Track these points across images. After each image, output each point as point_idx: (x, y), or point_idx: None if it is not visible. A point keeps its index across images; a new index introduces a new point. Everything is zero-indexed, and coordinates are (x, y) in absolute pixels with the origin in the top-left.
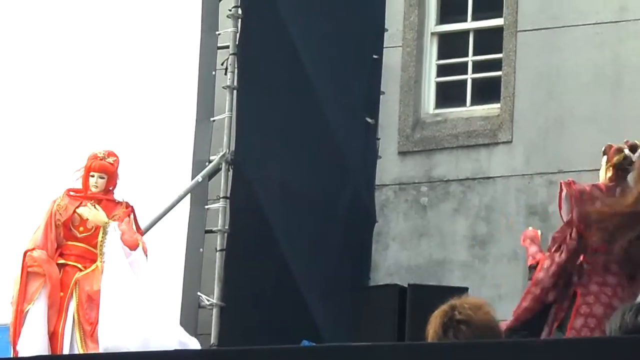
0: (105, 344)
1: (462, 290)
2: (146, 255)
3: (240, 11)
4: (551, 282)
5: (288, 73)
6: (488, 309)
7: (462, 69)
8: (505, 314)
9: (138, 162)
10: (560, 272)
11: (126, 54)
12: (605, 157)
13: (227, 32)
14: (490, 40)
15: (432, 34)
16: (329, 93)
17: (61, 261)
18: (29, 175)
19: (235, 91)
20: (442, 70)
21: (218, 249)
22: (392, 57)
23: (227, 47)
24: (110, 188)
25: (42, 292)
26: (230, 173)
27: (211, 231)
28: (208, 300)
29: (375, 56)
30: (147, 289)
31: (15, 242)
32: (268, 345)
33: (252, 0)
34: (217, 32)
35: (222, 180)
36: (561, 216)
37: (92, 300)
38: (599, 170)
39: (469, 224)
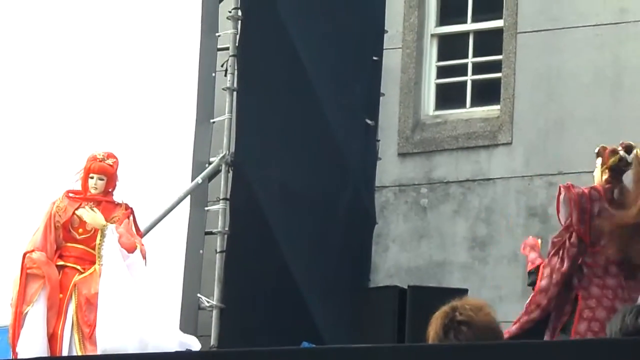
0: (103, 346)
1: (462, 292)
2: (145, 258)
3: (240, 13)
4: (556, 291)
5: (288, 74)
6: (489, 310)
7: (462, 70)
8: (505, 316)
9: (138, 164)
10: (564, 281)
11: (126, 56)
12: (599, 159)
13: (227, 33)
14: (490, 41)
15: (432, 35)
16: (329, 94)
17: (60, 263)
18: (28, 176)
19: (235, 93)
20: (442, 72)
21: (218, 250)
22: (392, 59)
23: (227, 48)
24: (110, 190)
25: (41, 294)
26: (230, 174)
27: (211, 233)
28: (208, 302)
29: (375, 58)
30: (145, 291)
31: (15, 243)
32: (268, 347)
33: (252, 2)
34: (217, 34)
35: (222, 182)
36: (559, 219)
37: (90, 303)
38: None
39: (469, 225)
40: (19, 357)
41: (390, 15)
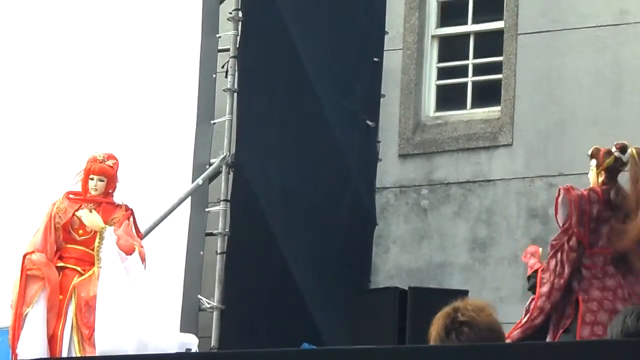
0: (102, 348)
1: (463, 293)
2: (144, 260)
3: (240, 14)
4: (559, 296)
5: (288, 76)
6: (491, 311)
7: (462, 71)
8: (505, 317)
9: (138, 165)
10: (566, 286)
11: (127, 57)
12: (594, 161)
13: (228, 35)
14: (490, 43)
15: (433, 36)
16: (330, 96)
17: (60, 264)
18: (28, 177)
19: (235, 94)
20: (442, 73)
21: (218, 251)
22: (393, 60)
23: (228, 50)
24: (110, 191)
25: (41, 295)
26: (231, 176)
27: (212, 234)
28: (208, 303)
29: (375, 59)
30: (143, 293)
31: (15, 245)
32: (268, 348)
33: (253, 3)
34: (217, 35)
35: (223, 183)
36: (557, 221)
37: (89, 305)
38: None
39: (469, 226)
40: (19, 358)
41: (391, 16)
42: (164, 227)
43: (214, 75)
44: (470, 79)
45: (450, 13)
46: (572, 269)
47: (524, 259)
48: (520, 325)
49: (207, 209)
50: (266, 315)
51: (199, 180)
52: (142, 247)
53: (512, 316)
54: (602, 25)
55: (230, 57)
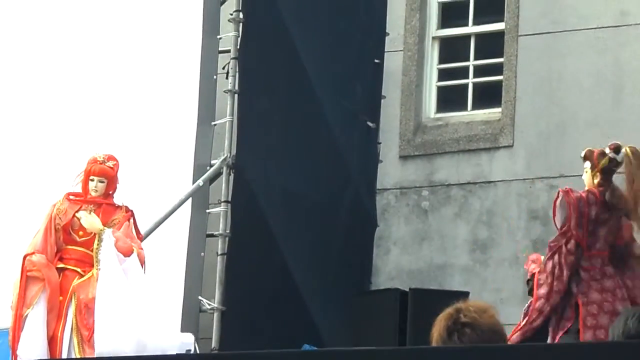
0: (100, 349)
1: (463, 295)
2: (143, 262)
3: (241, 15)
4: (559, 298)
5: (289, 77)
6: (493, 312)
7: (463, 73)
8: (506, 318)
9: (139, 166)
10: (566, 288)
11: (127, 58)
12: (588, 163)
13: (229, 36)
14: (491, 44)
15: (434, 38)
16: (330, 97)
17: (60, 265)
18: (29, 179)
19: (236, 95)
20: (443, 75)
21: (219, 253)
22: (394, 61)
23: (229, 51)
24: (110, 192)
25: (41, 297)
26: (232, 177)
27: (212, 235)
28: (209, 305)
29: (376, 60)
30: (141, 295)
31: (15, 246)
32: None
33: (254, 5)
34: (218, 36)
35: (223, 185)
36: (555, 223)
37: (89, 308)
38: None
39: (470, 228)
40: (19, 359)
41: (392, 18)
42: (165, 228)
43: (215, 77)
44: (471, 81)
45: (451, 14)
46: (571, 271)
47: (526, 266)
48: (519, 328)
49: (207, 210)
50: (267, 316)
51: (200, 182)
52: (141, 249)
53: (513, 318)
54: (603, 27)
55: (231, 59)
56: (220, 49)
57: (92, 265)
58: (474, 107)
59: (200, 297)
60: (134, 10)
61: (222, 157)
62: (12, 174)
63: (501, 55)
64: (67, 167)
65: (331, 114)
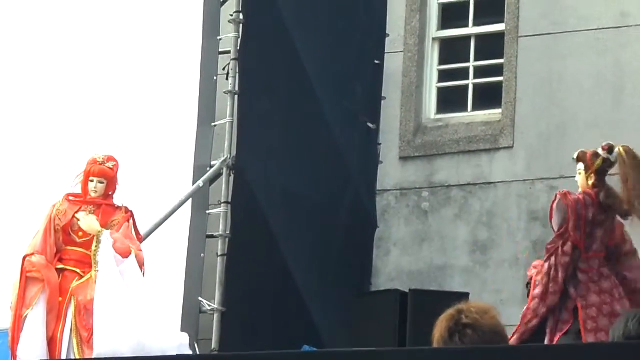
0: (98, 350)
1: (463, 296)
2: (142, 263)
3: (241, 16)
4: (555, 300)
5: (289, 78)
6: (495, 313)
7: (463, 74)
8: (507, 319)
9: (139, 167)
10: (562, 289)
11: (127, 59)
12: (581, 164)
13: (229, 37)
14: (491, 45)
15: (434, 39)
16: (330, 98)
17: (60, 266)
18: (28, 179)
19: (236, 96)
20: (443, 76)
21: (219, 254)
22: (394, 62)
23: (229, 52)
24: (110, 193)
25: (41, 297)
26: (232, 178)
27: (212, 236)
28: (209, 306)
29: (376, 61)
30: (139, 296)
31: (15, 246)
32: (269, 351)
33: (254, 6)
34: (218, 37)
35: (224, 186)
36: (552, 226)
37: (88, 309)
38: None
39: (470, 229)
40: None
41: (392, 19)
42: (165, 229)
43: (215, 78)
44: (471, 82)
45: (451, 15)
46: (566, 273)
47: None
48: (516, 330)
49: (207, 211)
50: (267, 317)
51: (200, 183)
52: (140, 250)
53: (513, 319)
54: (603, 28)
55: (231, 59)
56: (220, 50)
57: (92, 267)
58: (474, 108)
59: (200, 298)
60: (134, 12)
61: (222, 158)
62: (12, 175)
63: (501, 57)
64: (67, 167)
65: (331, 115)
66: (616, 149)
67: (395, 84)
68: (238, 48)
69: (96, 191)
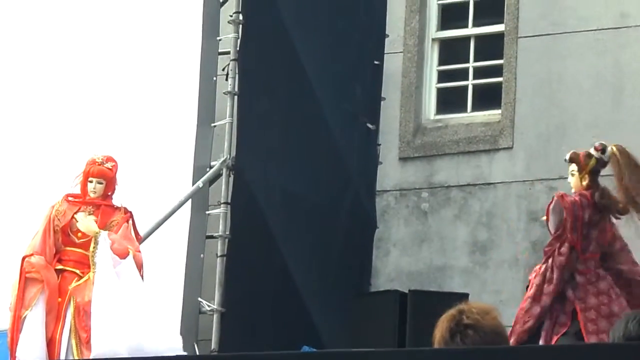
0: (96, 351)
1: (463, 296)
2: (140, 264)
3: (241, 17)
4: (550, 300)
5: (289, 78)
6: (496, 314)
7: (463, 75)
8: (507, 320)
9: (139, 168)
10: (557, 290)
11: (127, 60)
12: (573, 165)
13: (228, 37)
14: (491, 46)
15: (433, 39)
16: (330, 98)
17: (59, 267)
18: (28, 180)
19: (236, 97)
20: (443, 76)
21: (219, 254)
22: (393, 63)
23: (228, 52)
24: (109, 193)
25: (40, 298)
26: (231, 179)
27: (212, 237)
28: (209, 306)
29: (376, 62)
30: (136, 297)
31: (14, 247)
32: (268, 351)
33: (253, 6)
34: (218, 38)
35: (223, 186)
36: (548, 227)
37: (86, 310)
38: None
39: (469, 229)
40: None
41: (392, 19)
42: (164, 229)
43: (215, 78)
44: (470, 82)
45: (451, 16)
46: (561, 274)
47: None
48: (512, 332)
49: (207, 212)
50: (266, 318)
51: (199, 183)
52: (138, 251)
53: (513, 319)
54: (603, 29)
55: (231, 60)
56: (220, 50)
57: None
58: (474, 109)
59: (199, 299)
60: (134, 12)
61: (222, 159)
62: (12, 175)
63: (501, 57)
64: (66, 168)
65: (331, 116)
66: (609, 149)
67: (395, 85)
68: (237, 49)
69: (95, 192)
